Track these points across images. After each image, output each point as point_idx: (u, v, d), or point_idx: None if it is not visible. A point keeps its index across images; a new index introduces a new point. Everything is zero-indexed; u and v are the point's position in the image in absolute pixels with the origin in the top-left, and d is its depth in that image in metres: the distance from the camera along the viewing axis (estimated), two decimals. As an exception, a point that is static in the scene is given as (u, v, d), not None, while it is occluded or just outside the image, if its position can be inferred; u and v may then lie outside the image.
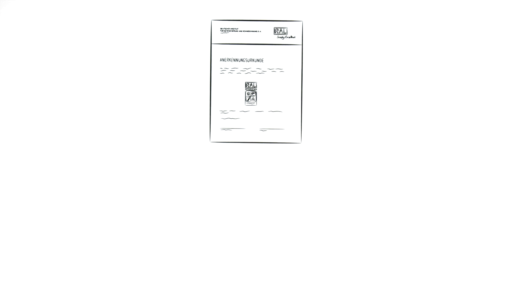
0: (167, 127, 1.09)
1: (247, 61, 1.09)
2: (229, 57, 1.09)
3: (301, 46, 1.09)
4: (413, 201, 1.08)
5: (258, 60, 1.09)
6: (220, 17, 1.09)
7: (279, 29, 1.09)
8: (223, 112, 1.09)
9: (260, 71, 1.09)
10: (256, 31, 1.09)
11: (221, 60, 1.09)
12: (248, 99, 1.09)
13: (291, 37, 1.09)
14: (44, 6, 1.08)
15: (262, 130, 1.09)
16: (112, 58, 1.09)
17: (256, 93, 1.09)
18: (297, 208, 1.08)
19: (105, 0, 1.09)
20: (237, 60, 1.09)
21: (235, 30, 1.09)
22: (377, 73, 1.08)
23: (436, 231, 1.08)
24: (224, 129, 1.09)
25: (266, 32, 1.09)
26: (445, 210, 1.08)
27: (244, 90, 1.09)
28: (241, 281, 1.09)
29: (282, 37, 1.09)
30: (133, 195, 1.09)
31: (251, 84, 1.09)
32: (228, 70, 1.09)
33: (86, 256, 1.08)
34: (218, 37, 1.09)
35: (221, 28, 1.09)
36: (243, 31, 1.09)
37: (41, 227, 1.07)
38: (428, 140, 1.08)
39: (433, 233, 1.08)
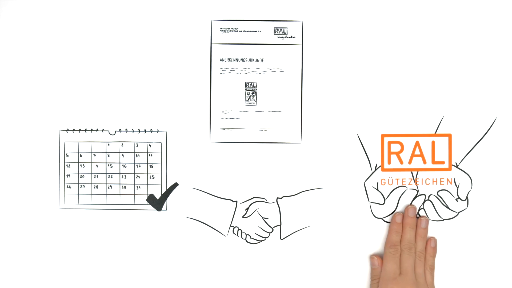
0: (167, 127, 1.09)
1: (247, 61, 1.09)
2: (229, 57, 1.09)
3: (301, 46, 1.08)
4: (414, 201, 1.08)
5: (258, 60, 1.08)
6: (220, 17, 1.08)
7: (279, 29, 1.08)
8: (223, 112, 1.09)
9: (260, 71, 1.08)
10: (256, 31, 1.08)
11: (221, 60, 1.09)
12: (248, 99, 1.09)
13: (291, 37, 1.08)
14: (44, 6, 1.09)
15: (262, 130, 1.09)
16: (112, 58, 1.09)
17: (256, 93, 1.09)
18: (297, 207, 1.09)
19: (105, 0, 1.09)
20: (237, 60, 1.09)
21: (235, 30, 1.08)
22: (378, 73, 1.08)
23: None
24: (224, 129, 1.09)
25: (266, 32, 1.08)
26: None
27: (244, 90, 1.09)
28: (241, 283, 1.10)
29: (282, 37, 1.08)
30: (131, 195, 1.09)
31: (251, 84, 1.09)
32: (228, 70, 1.09)
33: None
34: (218, 37, 1.09)
35: (221, 28, 1.08)
36: (243, 31, 1.08)
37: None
38: (429, 139, 1.07)
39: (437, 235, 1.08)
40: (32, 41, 1.09)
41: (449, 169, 1.07)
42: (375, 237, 1.08)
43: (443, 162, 1.07)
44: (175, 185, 1.09)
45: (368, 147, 1.08)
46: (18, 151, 1.09)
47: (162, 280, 1.10)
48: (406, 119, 1.07)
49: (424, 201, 1.07)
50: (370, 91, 1.07)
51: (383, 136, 1.07)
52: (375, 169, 1.08)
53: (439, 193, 1.06)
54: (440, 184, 1.07)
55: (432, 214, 1.07)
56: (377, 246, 1.08)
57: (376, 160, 1.08)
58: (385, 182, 1.07)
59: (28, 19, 1.09)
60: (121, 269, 1.10)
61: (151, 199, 1.09)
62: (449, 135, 1.07)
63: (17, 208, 1.10)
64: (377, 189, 1.07)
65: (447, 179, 1.07)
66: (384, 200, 1.07)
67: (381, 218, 1.08)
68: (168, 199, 1.09)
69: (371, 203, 1.08)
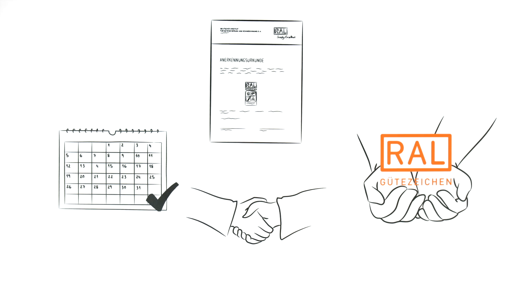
0: (167, 127, 1.09)
1: (247, 61, 1.09)
2: (229, 57, 1.09)
3: (301, 46, 1.08)
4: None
5: (258, 60, 1.09)
6: (220, 17, 1.08)
7: (279, 29, 1.08)
8: (223, 112, 1.09)
9: (260, 71, 1.09)
10: (256, 31, 1.08)
11: (221, 60, 1.09)
12: (248, 99, 1.09)
13: (291, 37, 1.08)
14: (44, 6, 1.08)
15: (262, 130, 1.09)
16: (112, 58, 1.09)
17: (256, 93, 1.09)
18: (297, 207, 1.09)
19: (105, 0, 1.09)
20: (237, 60, 1.09)
21: (235, 30, 1.08)
22: (378, 73, 1.08)
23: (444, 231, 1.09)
24: (224, 129, 1.09)
25: (266, 32, 1.08)
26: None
27: (244, 90, 1.09)
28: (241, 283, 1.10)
29: (282, 37, 1.08)
30: (131, 195, 1.10)
31: (251, 84, 1.09)
32: (228, 70, 1.09)
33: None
34: (218, 37, 1.09)
35: (221, 28, 1.09)
36: (243, 31, 1.08)
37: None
38: (429, 139, 1.08)
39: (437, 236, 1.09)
40: (32, 41, 1.09)
41: (448, 169, 1.07)
42: (375, 237, 1.08)
43: (442, 163, 1.07)
44: (175, 185, 1.08)
45: (368, 147, 1.08)
46: (18, 151, 1.09)
47: (162, 280, 1.10)
48: (406, 119, 1.07)
49: (424, 201, 1.07)
50: (370, 91, 1.07)
51: (382, 136, 1.08)
52: (375, 169, 1.08)
53: (438, 193, 1.06)
54: (440, 184, 1.07)
55: (431, 215, 1.07)
56: (376, 246, 1.08)
57: (375, 160, 1.08)
58: (384, 182, 1.08)
59: (28, 19, 1.09)
60: (121, 269, 1.10)
61: (151, 199, 1.09)
62: (449, 135, 1.07)
63: (17, 208, 1.09)
64: (377, 189, 1.07)
65: (447, 179, 1.07)
66: (384, 200, 1.07)
67: (381, 218, 1.08)
68: (168, 199, 1.09)
69: (370, 203, 1.08)
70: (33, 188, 1.09)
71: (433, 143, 1.07)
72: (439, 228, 1.08)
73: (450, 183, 1.07)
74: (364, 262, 1.08)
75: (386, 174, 1.08)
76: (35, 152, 1.09)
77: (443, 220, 1.07)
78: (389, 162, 1.07)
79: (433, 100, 1.07)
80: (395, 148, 1.07)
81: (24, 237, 1.10)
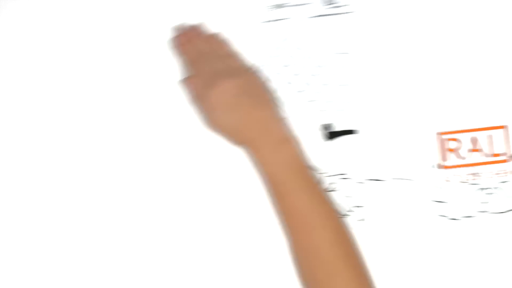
0: (167, 127, 1.08)
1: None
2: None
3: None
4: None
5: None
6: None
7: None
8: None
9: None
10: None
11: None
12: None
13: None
14: (44, 6, 1.10)
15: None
16: (112, 58, 1.10)
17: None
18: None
19: (105, 0, 1.10)
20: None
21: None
22: (378, 73, 1.08)
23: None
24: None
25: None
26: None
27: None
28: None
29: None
30: (132, 195, 1.06)
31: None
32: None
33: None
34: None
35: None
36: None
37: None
38: (430, 140, 1.06)
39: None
40: (32, 41, 1.09)
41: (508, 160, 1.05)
42: (440, 236, 1.03)
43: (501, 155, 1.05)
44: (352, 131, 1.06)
45: (425, 145, 1.05)
46: (18, 151, 1.07)
47: (163, 280, 1.03)
48: (406, 120, 1.07)
49: (487, 194, 1.03)
50: (370, 91, 1.07)
51: (439, 133, 1.06)
52: (435, 167, 1.05)
53: (500, 185, 1.03)
54: (504, 175, 1.04)
55: (494, 207, 1.03)
56: (443, 244, 1.02)
57: (435, 158, 1.05)
58: (445, 180, 1.04)
59: (28, 19, 1.10)
60: (121, 269, 1.05)
61: (327, 128, 1.06)
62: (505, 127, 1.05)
63: (17, 208, 1.05)
64: (439, 187, 1.04)
65: (508, 171, 1.04)
66: (447, 198, 1.04)
67: (445, 216, 1.03)
68: None
69: (433, 201, 1.03)
70: (33, 188, 1.06)
71: (490, 136, 1.05)
72: (503, 220, 1.03)
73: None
74: (427, 261, 1.02)
75: (447, 172, 1.05)
76: (35, 152, 1.07)
77: (507, 211, 1.02)
78: (447, 159, 1.05)
79: (436, 99, 1.07)
80: (452, 145, 1.05)
81: (24, 237, 1.05)
